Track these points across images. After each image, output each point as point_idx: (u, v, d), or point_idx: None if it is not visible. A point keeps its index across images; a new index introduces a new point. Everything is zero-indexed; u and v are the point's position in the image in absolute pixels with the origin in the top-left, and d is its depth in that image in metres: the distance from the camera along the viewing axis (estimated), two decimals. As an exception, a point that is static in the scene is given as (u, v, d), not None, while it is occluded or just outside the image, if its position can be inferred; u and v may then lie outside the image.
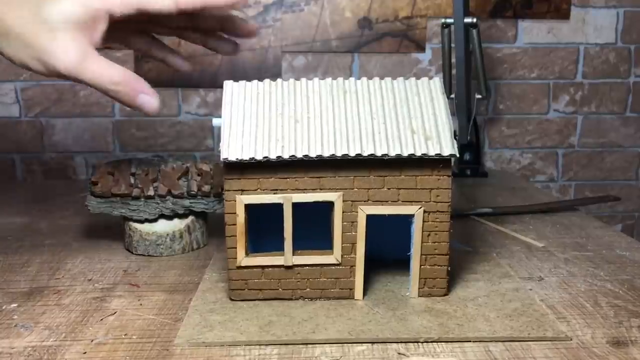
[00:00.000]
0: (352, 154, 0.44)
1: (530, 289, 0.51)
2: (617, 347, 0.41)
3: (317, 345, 0.41)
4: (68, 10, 0.46)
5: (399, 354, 0.40)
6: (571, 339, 0.42)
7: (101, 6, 0.47)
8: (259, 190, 0.46)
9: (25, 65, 0.48)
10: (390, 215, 0.46)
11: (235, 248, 0.47)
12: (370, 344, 0.41)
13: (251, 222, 0.48)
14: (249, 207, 0.46)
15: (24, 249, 0.63)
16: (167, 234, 0.60)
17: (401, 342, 0.41)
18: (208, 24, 0.55)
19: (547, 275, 0.55)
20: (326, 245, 0.48)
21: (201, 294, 0.50)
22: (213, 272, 0.55)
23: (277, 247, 0.47)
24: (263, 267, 0.47)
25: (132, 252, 0.61)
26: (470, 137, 1.01)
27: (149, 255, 0.60)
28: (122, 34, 0.54)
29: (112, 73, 0.48)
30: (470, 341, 0.41)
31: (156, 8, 0.48)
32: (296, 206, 0.46)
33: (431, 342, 0.41)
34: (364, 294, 0.49)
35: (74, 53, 0.46)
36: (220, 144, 0.45)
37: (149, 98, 0.49)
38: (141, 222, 0.60)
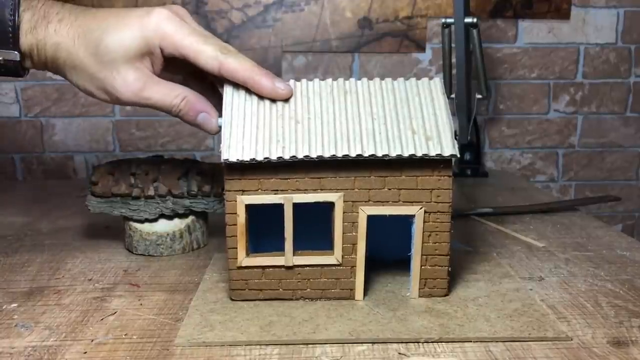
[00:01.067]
0: (353, 154, 0.44)
1: (531, 289, 0.51)
2: (618, 347, 0.41)
3: (317, 345, 0.41)
4: (127, 40, 0.48)
5: (400, 354, 0.40)
6: (572, 339, 0.42)
7: (155, 39, 0.48)
8: (259, 190, 0.46)
9: (91, 94, 0.51)
10: (390, 216, 0.46)
11: (236, 248, 0.47)
12: (370, 344, 0.41)
13: (252, 222, 0.48)
14: (249, 208, 0.46)
15: (24, 249, 0.63)
16: (168, 234, 0.60)
17: (402, 342, 0.41)
18: None
19: (548, 275, 0.55)
20: (327, 245, 0.48)
21: (202, 294, 0.50)
22: (213, 272, 0.55)
23: (277, 247, 0.47)
24: (263, 267, 0.47)
25: (132, 252, 0.61)
26: (470, 137, 1.01)
27: (149, 255, 0.60)
28: (178, 75, 0.55)
29: (173, 96, 0.50)
30: (471, 341, 0.41)
31: (200, 63, 0.49)
32: (297, 207, 0.46)
33: (432, 342, 0.41)
34: (365, 294, 0.48)
35: (133, 83, 0.49)
36: (221, 145, 0.45)
37: (208, 117, 0.51)
38: (141, 222, 0.60)
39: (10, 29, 0.48)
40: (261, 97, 0.48)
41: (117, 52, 0.48)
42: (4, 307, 0.48)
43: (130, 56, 0.48)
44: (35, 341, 0.42)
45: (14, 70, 0.50)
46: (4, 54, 0.49)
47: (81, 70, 0.50)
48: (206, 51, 0.48)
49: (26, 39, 0.49)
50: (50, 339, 0.42)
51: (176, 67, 0.53)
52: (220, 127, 0.47)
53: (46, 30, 0.49)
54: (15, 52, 0.49)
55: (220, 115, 0.49)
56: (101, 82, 0.49)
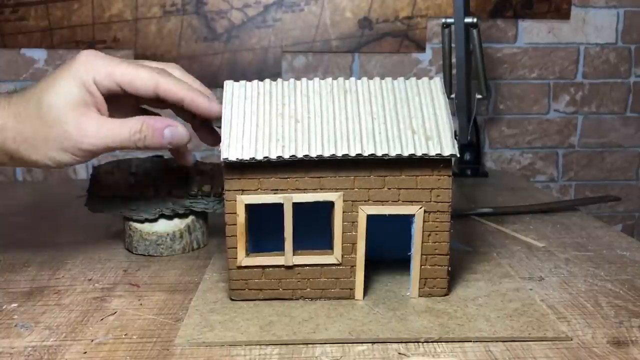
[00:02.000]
0: (353, 154, 0.44)
1: (531, 289, 0.51)
2: (618, 347, 0.41)
3: (317, 345, 0.41)
4: (64, 91, 0.47)
5: (400, 354, 0.40)
6: (572, 339, 0.42)
7: (88, 77, 0.47)
8: (259, 190, 0.46)
9: (51, 162, 0.48)
10: (390, 215, 0.46)
11: (236, 248, 0.47)
12: (370, 344, 0.41)
13: (252, 222, 0.48)
14: (249, 207, 0.46)
15: (24, 249, 0.63)
16: (168, 234, 0.60)
17: (401, 342, 0.41)
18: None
19: (548, 275, 0.55)
20: (327, 245, 0.48)
21: (202, 294, 0.50)
22: (213, 272, 0.55)
23: (278, 247, 0.47)
24: (263, 267, 0.47)
25: (132, 252, 0.61)
26: (470, 137, 1.01)
27: (149, 255, 0.60)
28: (126, 111, 0.53)
29: (130, 124, 0.48)
30: (470, 341, 0.41)
31: (137, 86, 0.48)
32: (297, 206, 0.46)
33: (432, 342, 0.41)
34: (365, 293, 0.48)
35: (87, 127, 0.47)
36: (221, 144, 0.45)
37: (174, 129, 0.49)
38: (141, 222, 0.60)
39: None
40: (261, 96, 0.48)
41: (59, 105, 0.47)
42: (4, 307, 0.48)
43: (74, 104, 0.47)
44: (35, 341, 0.42)
45: None
46: None
47: (34, 140, 0.47)
48: (141, 74, 0.48)
49: None
50: (50, 339, 0.42)
51: (122, 106, 0.52)
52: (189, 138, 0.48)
53: None
54: None
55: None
56: (56, 141, 0.47)
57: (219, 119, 0.49)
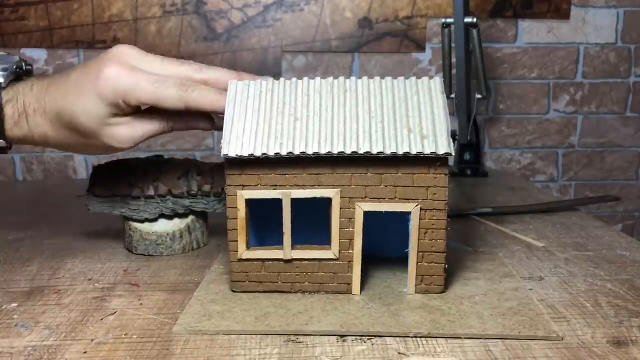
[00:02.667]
0: (349, 151, 0.45)
1: (531, 289, 0.51)
2: (618, 347, 0.41)
3: (310, 336, 0.42)
4: (93, 111, 0.49)
5: (400, 353, 0.40)
6: (563, 339, 0.42)
7: (116, 98, 0.49)
8: (259, 186, 0.47)
9: (101, 154, 0.55)
10: (389, 213, 0.47)
11: (237, 241, 0.48)
12: (370, 344, 0.41)
13: (259, 217, 0.49)
14: (252, 203, 0.48)
15: (24, 249, 0.63)
16: (168, 234, 0.60)
17: (391, 336, 0.42)
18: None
19: (548, 275, 0.55)
20: (327, 240, 0.48)
21: (206, 285, 0.51)
22: (220, 264, 0.56)
23: (282, 242, 0.48)
24: (263, 260, 0.48)
25: (132, 252, 0.61)
26: (470, 137, 1.01)
27: (149, 255, 0.60)
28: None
29: (160, 119, 0.52)
30: (460, 338, 0.42)
31: (166, 107, 0.50)
32: (299, 202, 0.47)
33: (420, 337, 0.42)
34: (363, 289, 0.49)
35: (123, 135, 0.51)
36: (222, 141, 0.46)
37: (202, 121, 0.54)
38: (141, 221, 0.60)
39: None
40: (263, 95, 0.49)
41: (91, 123, 0.50)
42: (4, 307, 0.48)
43: (104, 120, 0.50)
44: (35, 341, 0.42)
45: (2, 152, 0.54)
46: None
47: (74, 147, 0.54)
48: (167, 97, 0.49)
49: (13, 133, 0.51)
50: (50, 338, 0.42)
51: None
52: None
53: (28, 125, 0.51)
54: (2, 141, 0.52)
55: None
56: (96, 146, 0.52)
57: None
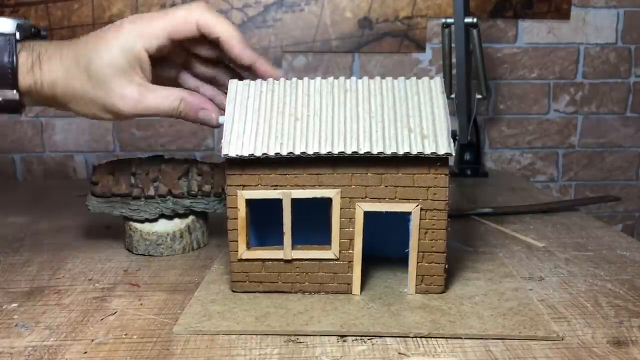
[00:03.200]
0: (349, 151, 0.45)
1: (531, 289, 0.51)
2: (618, 347, 0.41)
3: (315, 337, 0.42)
4: (110, 60, 0.50)
5: (400, 353, 0.40)
6: (563, 339, 0.42)
7: (137, 45, 0.51)
8: (259, 185, 0.47)
9: (96, 117, 0.53)
10: (390, 213, 0.47)
11: (237, 241, 0.48)
12: (371, 344, 0.41)
13: (261, 217, 0.49)
14: (253, 203, 0.48)
15: (24, 249, 0.63)
16: (168, 234, 0.60)
17: (391, 336, 0.42)
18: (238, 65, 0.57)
19: (548, 275, 0.55)
20: (328, 240, 0.48)
21: (206, 285, 0.51)
22: (220, 264, 0.56)
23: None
24: (263, 260, 0.48)
25: (132, 252, 0.61)
26: (470, 137, 1.01)
27: (149, 255, 0.60)
28: (171, 72, 0.58)
29: (170, 100, 0.52)
30: (460, 338, 0.42)
31: (181, 34, 0.52)
32: (301, 202, 0.47)
33: (420, 337, 0.42)
34: (363, 289, 0.49)
35: (130, 96, 0.51)
36: (222, 140, 0.46)
37: (208, 112, 0.54)
38: (141, 221, 0.60)
39: (9, 70, 0.50)
40: (263, 94, 0.49)
41: (106, 73, 0.50)
42: (4, 307, 0.48)
43: (120, 73, 0.51)
44: (35, 341, 0.42)
45: (14, 108, 0.53)
46: (4, 94, 0.51)
47: (80, 98, 0.52)
48: (178, 17, 0.52)
49: (24, 80, 0.51)
50: (50, 338, 0.42)
51: (167, 65, 0.55)
52: (222, 121, 0.49)
53: (41, 71, 0.51)
54: (14, 92, 0.51)
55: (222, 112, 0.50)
56: (101, 102, 0.51)
57: (246, 68, 0.53)
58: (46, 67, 0.51)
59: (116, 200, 0.60)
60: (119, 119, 0.54)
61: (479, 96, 0.98)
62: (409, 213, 0.47)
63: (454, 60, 0.96)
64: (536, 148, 1.19)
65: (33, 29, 0.54)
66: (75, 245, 0.64)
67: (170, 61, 0.56)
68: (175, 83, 0.58)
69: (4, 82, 0.50)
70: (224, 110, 0.49)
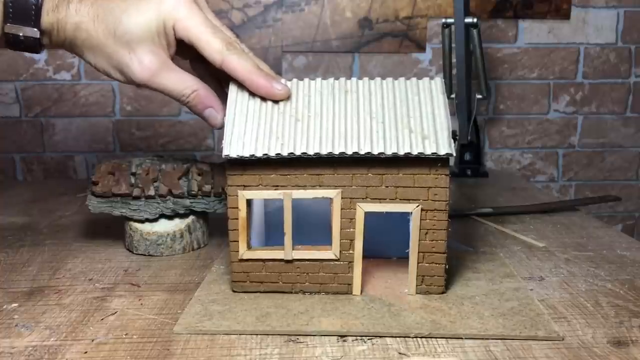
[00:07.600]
0: (350, 152, 0.45)
1: (531, 289, 0.51)
2: (618, 347, 0.41)
3: (315, 337, 0.42)
4: (144, 22, 0.50)
5: (400, 353, 0.40)
6: (563, 339, 0.42)
7: (170, 21, 0.50)
8: (260, 186, 0.47)
9: (106, 73, 0.53)
10: (390, 213, 0.47)
11: (237, 241, 0.48)
12: (371, 344, 0.41)
13: (268, 218, 0.50)
14: (250, 202, 0.48)
15: (25, 249, 0.63)
16: (168, 234, 0.60)
17: (392, 336, 0.42)
18: None
19: (548, 275, 0.55)
20: (329, 241, 0.48)
21: (206, 285, 0.51)
22: (221, 264, 0.56)
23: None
24: (264, 260, 0.48)
25: (132, 252, 0.61)
26: (470, 137, 1.01)
27: (149, 255, 0.60)
28: (190, 57, 0.57)
29: (184, 87, 0.52)
30: (460, 338, 0.42)
31: (205, 54, 0.51)
32: (302, 202, 0.47)
33: (421, 337, 0.42)
34: (364, 289, 0.49)
35: (148, 66, 0.51)
36: (223, 141, 0.46)
37: (214, 113, 0.54)
38: (142, 221, 0.60)
39: (33, 7, 0.49)
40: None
41: (134, 33, 0.50)
42: (4, 307, 0.48)
43: (147, 38, 0.50)
44: (35, 341, 0.42)
45: (32, 46, 0.52)
46: (25, 30, 0.50)
47: (99, 50, 0.51)
48: (212, 44, 0.50)
49: (47, 18, 0.50)
50: (50, 338, 0.42)
51: (185, 52, 0.54)
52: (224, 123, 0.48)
53: (67, 10, 0.50)
54: (36, 30, 0.50)
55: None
56: (118, 61, 0.51)
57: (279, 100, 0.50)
58: (73, 7, 0.50)
59: (116, 200, 0.60)
60: (127, 83, 0.53)
61: (479, 96, 0.98)
62: (410, 213, 0.47)
63: (454, 60, 0.96)
64: (536, 148, 1.19)
65: None
66: (75, 245, 0.64)
67: (188, 50, 0.55)
68: (190, 65, 0.58)
69: (26, 18, 0.49)
70: None
